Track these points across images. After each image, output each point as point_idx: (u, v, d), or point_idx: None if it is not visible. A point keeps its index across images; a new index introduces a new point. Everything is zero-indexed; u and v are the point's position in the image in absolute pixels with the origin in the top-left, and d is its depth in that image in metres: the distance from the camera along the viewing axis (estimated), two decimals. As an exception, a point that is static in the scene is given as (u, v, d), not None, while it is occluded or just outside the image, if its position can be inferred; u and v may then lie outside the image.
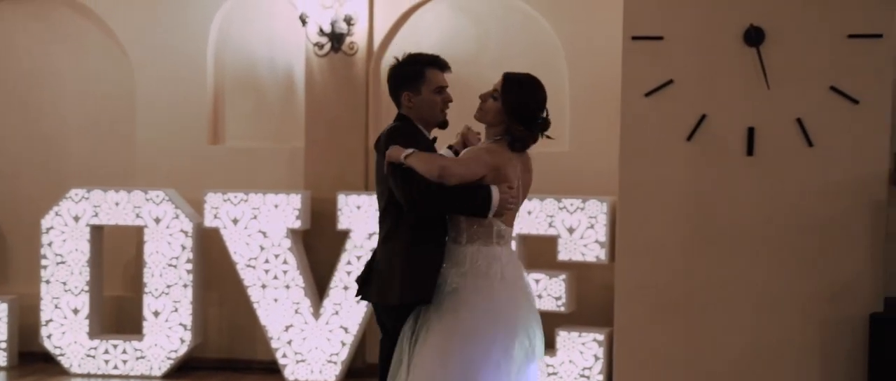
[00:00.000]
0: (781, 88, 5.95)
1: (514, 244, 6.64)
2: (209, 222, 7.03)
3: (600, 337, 6.57)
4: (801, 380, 5.98)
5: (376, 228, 4.33)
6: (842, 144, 5.94)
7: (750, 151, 6.01)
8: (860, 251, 5.93)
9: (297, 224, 6.96)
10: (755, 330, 5.98)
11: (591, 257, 6.59)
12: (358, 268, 6.86)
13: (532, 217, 6.60)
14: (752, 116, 6.00)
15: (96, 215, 7.08)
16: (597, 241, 6.56)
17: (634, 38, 6.11)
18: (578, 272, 6.82)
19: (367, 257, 6.79)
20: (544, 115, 4.22)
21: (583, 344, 6.58)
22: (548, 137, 4.30)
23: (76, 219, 7.09)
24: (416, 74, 4.24)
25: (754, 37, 5.99)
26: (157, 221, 7.06)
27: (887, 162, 5.99)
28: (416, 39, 7.29)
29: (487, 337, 3.95)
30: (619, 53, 6.21)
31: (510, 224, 4.19)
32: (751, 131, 6.00)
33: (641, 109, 6.14)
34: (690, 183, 6.08)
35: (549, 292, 6.59)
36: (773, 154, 5.98)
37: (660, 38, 6.10)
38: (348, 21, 7.09)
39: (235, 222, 6.99)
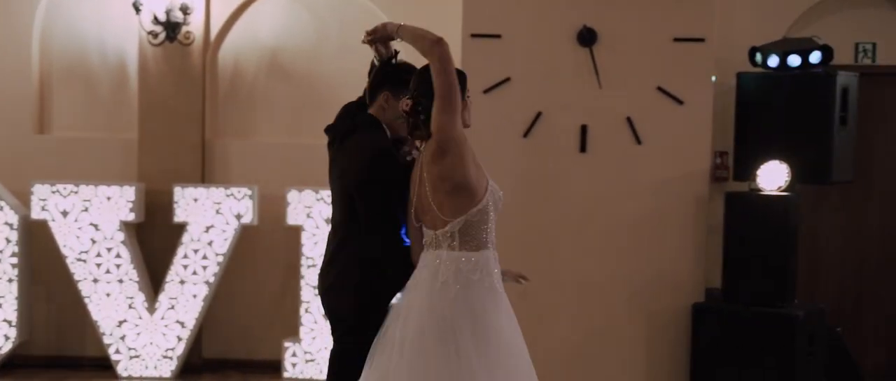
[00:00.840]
0: (612, 87, 6.21)
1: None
2: (36, 214, 6.77)
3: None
4: (628, 366, 6.28)
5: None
6: (668, 143, 6.26)
7: (583, 148, 6.25)
8: (684, 244, 6.26)
9: (131, 217, 6.79)
10: (585, 319, 6.24)
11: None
12: (195, 261, 6.78)
13: (372, 210, 6.64)
14: (585, 114, 6.24)
15: (-88, 207, 6.72)
16: (435, 234, 6.66)
17: (473, 35, 6.25)
18: (416, 265, 6.92)
19: (205, 250, 6.80)
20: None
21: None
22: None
23: None
24: (407, 83, 3.83)
25: (587, 38, 6.23)
26: (-20, 213, 6.76)
27: (709, 160, 6.35)
28: (254, 30, 7.23)
29: None
30: (459, 50, 6.33)
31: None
32: (584, 129, 6.24)
33: (479, 106, 6.25)
34: (526, 178, 6.27)
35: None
36: (604, 151, 6.24)
37: (498, 36, 6.26)
38: (184, 10, 6.95)
39: (65, 214, 6.76)
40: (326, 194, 6.70)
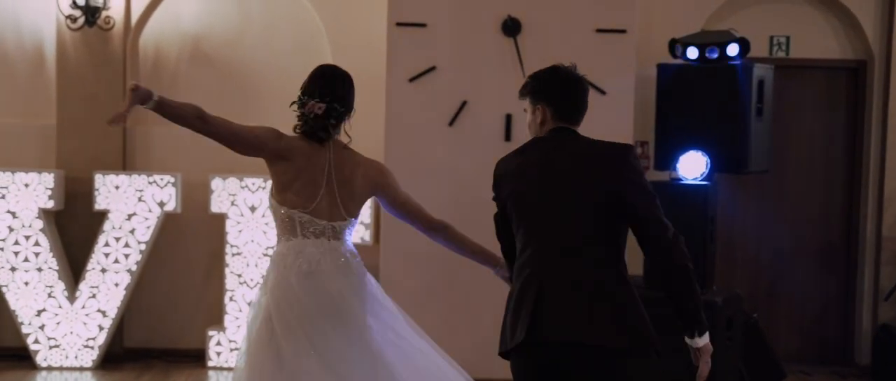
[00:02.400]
0: (537, 77, 6.28)
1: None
2: (-49, 201, 6.62)
3: (363, 316, 6.70)
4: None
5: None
6: (591, 132, 6.24)
7: (508, 137, 6.32)
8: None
9: (50, 204, 6.68)
10: (484, 318, 6.30)
11: (356, 239, 6.69)
12: (117, 249, 6.70)
13: (297, 198, 6.63)
14: (510, 103, 6.27)
15: None
16: (362, 223, 6.68)
17: (399, 24, 6.28)
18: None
19: (127, 238, 6.71)
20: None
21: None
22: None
23: None
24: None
25: (511, 27, 6.30)
26: None
27: (630, 149, 6.45)
28: (175, 16, 7.15)
29: None
30: (384, 38, 6.35)
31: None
32: (508, 118, 6.31)
33: (406, 95, 6.32)
34: (452, 166, 6.33)
35: (313, 272, 6.66)
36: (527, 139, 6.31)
37: (423, 25, 6.29)
38: (104, -6, 6.85)
39: (-19, 202, 6.63)
40: (251, 181, 6.67)
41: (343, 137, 4.01)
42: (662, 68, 6.37)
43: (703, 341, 3.49)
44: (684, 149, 6.12)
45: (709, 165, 6.09)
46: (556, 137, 3.50)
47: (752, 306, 6.70)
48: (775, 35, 7.22)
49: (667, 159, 6.26)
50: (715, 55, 6.21)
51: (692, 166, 6.10)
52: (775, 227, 7.32)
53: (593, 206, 3.35)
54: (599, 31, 6.32)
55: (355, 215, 3.95)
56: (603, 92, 6.32)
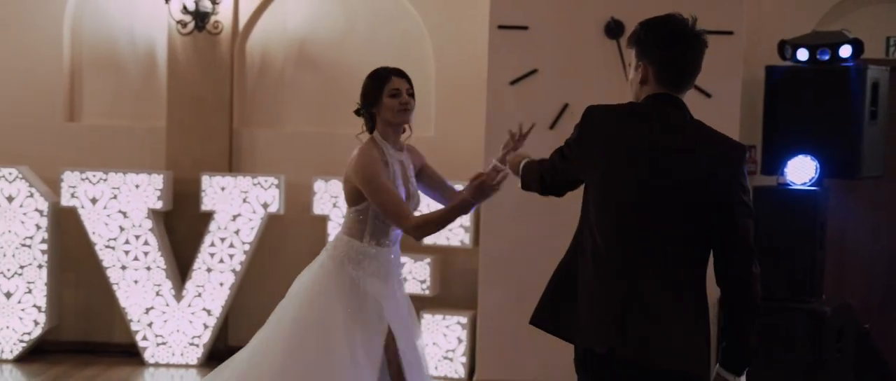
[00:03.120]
0: (640, 80, 6.18)
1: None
2: (66, 201, 6.84)
3: (464, 320, 6.70)
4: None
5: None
6: (695, 136, 6.21)
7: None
8: (710, 238, 6.22)
9: (159, 205, 6.85)
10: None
11: (455, 242, 6.71)
12: (222, 250, 6.83)
13: (397, 201, 6.66)
14: (612, 106, 6.21)
15: (-56, 192, 6.81)
16: (462, 225, 6.68)
17: (500, 27, 6.25)
18: (443, 256, 6.93)
19: (232, 238, 6.83)
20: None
21: (447, 327, 6.70)
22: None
23: (-78, 197, 6.80)
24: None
25: (615, 30, 6.21)
26: (10, 199, 6.83)
27: (736, 153, 6.29)
28: (282, 21, 7.25)
29: None
30: (486, 41, 6.33)
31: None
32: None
33: (506, 98, 6.29)
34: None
35: (414, 275, 6.68)
36: (630, 144, 6.21)
37: (525, 28, 6.25)
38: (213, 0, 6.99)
39: (94, 201, 6.83)
40: (353, 184, 6.72)
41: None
42: (771, 70, 6.20)
43: (744, 379, 3.15)
44: (793, 153, 5.96)
45: (818, 170, 5.91)
46: (664, 113, 3.06)
47: (864, 317, 6.47)
48: (892, 36, 6.96)
49: (774, 164, 6.10)
50: (826, 57, 6.02)
51: (801, 171, 5.93)
52: (890, 235, 7.05)
53: (699, 218, 3.01)
54: (706, 32, 6.15)
55: (349, 203, 4.32)
56: (708, 95, 6.17)
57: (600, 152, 3.10)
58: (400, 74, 4.31)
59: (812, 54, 6.05)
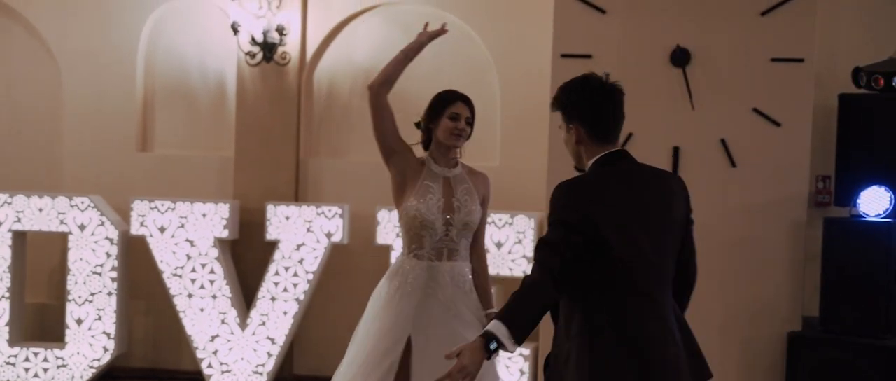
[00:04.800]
0: (706, 108, 6.06)
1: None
2: (135, 229, 6.95)
3: (526, 352, 6.61)
4: (721, 396, 6.09)
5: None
6: (764, 166, 6.07)
7: (675, 170, 6.11)
8: (780, 271, 6.05)
9: (225, 234, 6.91)
10: (677, 347, 6.07)
11: (518, 272, 6.63)
12: (286, 279, 6.86)
13: (461, 231, 6.62)
14: (678, 135, 6.10)
15: (19, 220, 6.96)
16: (524, 256, 6.60)
17: (563, 55, 6.18)
18: (506, 287, 6.82)
19: (296, 268, 6.86)
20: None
21: (509, 359, 6.61)
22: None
23: (-2, 224, 6.97)
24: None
25: (680, 58, 6.10)
26: (82, 227, 6.96)
27: (807, 184, 6.14)
28: (348, 51, 7.30)
29: None
30: (550, 70, 6.28)
31: None
32: (676, 151, 6.10)
33: (570, 126, 6.20)
34: (616, 200, 6.16)
35: (476, 305, 6.61)
36: (697, 173, 6.08)
37: (588, 56, 6.17)
38: (280, 31, 7.07)
39: (162, 230, 6.92)
40: (416, 213, 6.70)
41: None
42: (844, 99, 6.03)
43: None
44: (866, 184, 5.77)
45: (893, 202, 5.70)
46: (621, 167, 3.26)
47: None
48: (972, 62, 6.71)
49: (848, 195, 5.91)
50: (903, 85, 5.82)
51: (874, 202, 5.74)
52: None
53: (677, 242, 3.31)
54: (775, 60, 6.03)
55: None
56: (777, 124, 6.02)
57: (606, 217, 3.14)
58: (465, 100, 4.43)
59: (888, 82, 5.86)
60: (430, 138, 4.43)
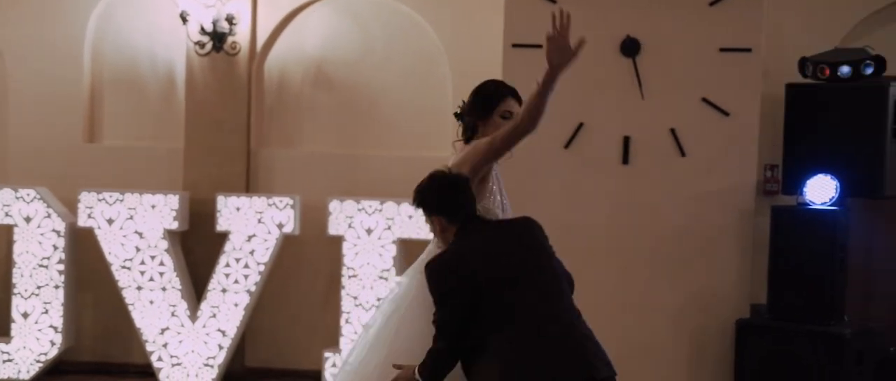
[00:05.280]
0: (656, 98, 6.10)
1: (395, 249, 6.68)
2: (83, 221, 6.85)
3: None
4: (671, 384, 6.14)
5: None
6: (713, 155, 6.12)
7: (625, 160, 6.14)
8: (729, 260, 6.11)
9: (175, 225, 6.84)
10: (626, 335, 6.11)
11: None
12: (237, 270, 6.81)
13: (413, 222, 6.61)
14: (628, 125, 6.13)
15: (-37, 213, 6.85)
16: (476, 246, 6.59)
17: (515, 45, 6.18)
18: (458, 277, 6.84)
19: (247, 259, 6.81)
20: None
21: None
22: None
23: (-58, 217, 6.85)
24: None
25: (630, 48, 6.13)
26: (28, 220, 6.86)
27: (755, 173, 6.20)
28: (299, 41, 7.25)
29: None
30: (500, 60, 6.28)
31: None
32: (626, 140, 6.13)
33: (521, 116, 6.21)
34: (567, 190, 6.18)
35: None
36: (647, 163, 6.13)
37: (539, 46, 6.12)
38: (230, 20, 6.99)
39: (111, 222, 6.83)
40: (367, 203, 6.69)
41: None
42: (791, 88, 6.09)
43: None
44: (813, 172, 5.84)
45: (839, 190, 5.78)
46: (474, 227, 3.70)
47: (892, 341, 6.31)
48: (919, 53, 6.80)
49: (795, 183, 5.99)
50: (848, 74, 5.89)
51: (820, 190, 5.81)
52: (918, 256, 6.87)
53: (547, 259, 3.75)
54: (723, 50, 6.08)
55: None
56: (726, 113, 6.08)
57: (481, 275, 3.57)
58: (516, 95, 4.17)
59: (833, 71, 5.93)
60: (474, 133, 4.08)
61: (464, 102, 4.18)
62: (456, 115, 4.20)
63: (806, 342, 5.67)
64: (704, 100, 6.09)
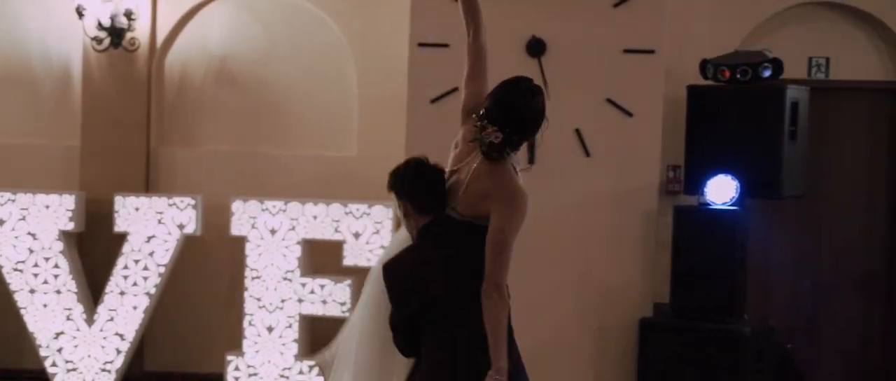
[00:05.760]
0: (561, 98, 6.08)
1: (299, 249, 6.57)
2: (-28, 222, 6.60)
3: None
4: (576, 383, 6.17)
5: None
6: (617, 155, 6.17)
7: (531, 160, 6.13)
8: (633, 258, 6.17)
9: (71, 226, 6.62)
10: (532, 334, 6.06)
11: (376, 262, 6.55)
12: (135, 272, 6.63)
13: (318, 222, 6.52)
14: (533, 125, 6.13)
15: None
16: (382, 246, 6.53)
17: (421, 44, 6.15)
18: (363, 277, 6.72)
19: (146, 261, 6.63)
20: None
21: (366, 350, 6.54)
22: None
23: None
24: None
25: (536, 48, 6.14)
26: (-86, 221, 6.59)
27: (658, 173, 6.27)
28: (202, 37, 7.10)
29: None
30: (406, 60, 6.24)
31: None
32: (531, 140, 6.13)
33: (427, 116, 6.18)
34: (473, 190, 6.16)
35: (333, 297, 6.53)
36: (552, 163, 6.12)
37: (446, 45, 6.15)
38: (129, 15, 6.81)
39: (2, 223, 6.59)
40: (271, 204, 6.58)
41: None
42: (693, 90, 6.17)
43: None
44: (714, 173, 5.92)
45: (739, 190, 5.87)
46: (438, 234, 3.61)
47: (789, 338, 6.45)
48: (814, 56, 6.97)
49: (697, 184, 6.07)
50: (747, 76, 6.00)
51: (721, 191, 5.90)
52: (814, 255, 7.04)
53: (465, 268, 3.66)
54: (627, 51, 6.13)
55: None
56: (630, 114, 6.13)
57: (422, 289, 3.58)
58: None
59: (733, 73, 6.03)
60: (509, 150, 3.71)
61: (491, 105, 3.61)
62: (482, 117, 3.60)
63: (707, 341, 5.76)
64: (609, 100, 6.13)
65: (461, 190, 3.61)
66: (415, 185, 3.64)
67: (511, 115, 3.56)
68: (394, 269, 3.63)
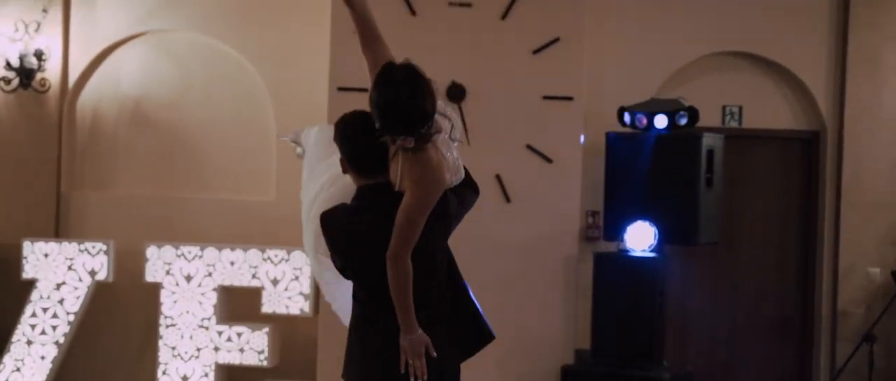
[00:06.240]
0: (481, 144, 6.12)
1: (216, 296, 6.43)
2: None
3: None
4: (497, 430, 6.12)
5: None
6: (537, 201, 6.19)
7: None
8: (553, 305, 6.17)
9: (-25, 273, 6.41)
10: (453, 382, 6.06)
11: (295, 310, 6.45)
12: (44, 320, 6.42)
13: (235, 268, 6.40)
14: (454, 171, 6.11)
15: None
16: (301, 293, 6.44)
17: (340, 88, 6.10)
18: (282, 325, 6.66)
19: (55, 308, 6.43)
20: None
21: None
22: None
23: None
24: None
25: (456, 93, 6.14)
26: None
27: (578, 219, 6.30)
28: (116, 78, 6.96)
29: None
30: (325, 103, 6.18)
31: None
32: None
33: (347, 161, 6.12)
34: (394, 236, 6.10)
35: (251, 345, 6.40)
36: (473, 209, 6.11)
37: (365, 89, 6.09)
38: (39, 56, 6.65)
39: None
40: (187, 249, 6.43)
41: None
42: (611, 137, 6.23)
43: None
44: (633, 219, 5.96)
45: (657, 237, 5.92)
46: (368, 201, 3.45)
47: (705, 382, 6.50)
48: (728, 105, 7.11)
49: (615, 230, 6.10)
50: (664, 124, 6.07)
51: (640, 237, 5.94)
52: (729, 301, 7.14)
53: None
54: (546, 98, 6.17)
55: None
56: (549, 160, 6.16)
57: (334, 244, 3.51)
58: None
59: (650, 121, 6.10)
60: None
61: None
62: (382, 135, 3.44)
63: (627, 387, 5.76)
64: (528, 146, 6.15)
65: (397, 183, 3.49)
66: (348, 135, 3.47)
67: (400, 117, 3.34)
68: (330, 224, 3.45)
